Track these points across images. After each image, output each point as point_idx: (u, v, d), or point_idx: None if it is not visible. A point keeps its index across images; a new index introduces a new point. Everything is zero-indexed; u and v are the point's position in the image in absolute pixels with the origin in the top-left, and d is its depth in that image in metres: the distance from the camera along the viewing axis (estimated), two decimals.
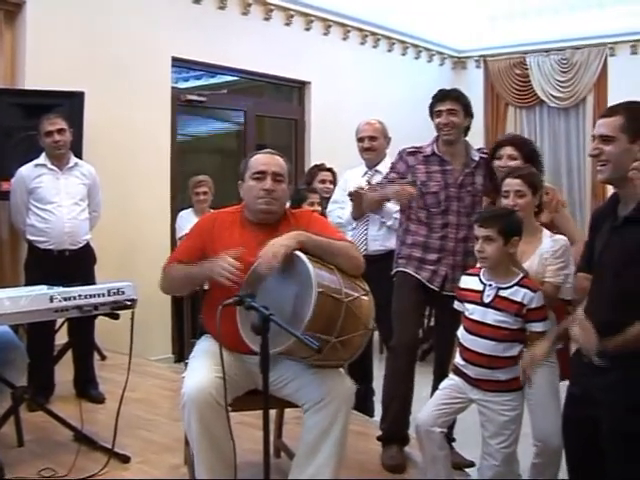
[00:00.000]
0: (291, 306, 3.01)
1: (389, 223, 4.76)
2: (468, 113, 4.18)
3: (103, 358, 6.14)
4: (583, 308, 2.84)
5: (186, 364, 3.45)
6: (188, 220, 6.54)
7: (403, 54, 10.18)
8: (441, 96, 4.16)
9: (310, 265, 2.98)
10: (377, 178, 4.98)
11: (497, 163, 3.91)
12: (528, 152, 3.91)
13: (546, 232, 3.53)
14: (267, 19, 8.27)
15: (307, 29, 8.76)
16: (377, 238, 4.85)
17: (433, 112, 4.17)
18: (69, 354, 5.31)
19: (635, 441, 2.53)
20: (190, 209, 6.86)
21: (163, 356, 6.94)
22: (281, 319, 2.70)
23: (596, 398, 2.65)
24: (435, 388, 3.70)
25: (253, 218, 3.42)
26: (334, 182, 5.57)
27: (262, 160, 3.43)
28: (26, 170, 5.06)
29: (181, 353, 6.67)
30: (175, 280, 3.45)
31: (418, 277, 4.12)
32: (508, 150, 3.88)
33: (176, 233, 6.83)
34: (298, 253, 3.06)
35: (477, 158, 4.17)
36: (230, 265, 3.12)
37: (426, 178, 4.13)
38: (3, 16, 6.12)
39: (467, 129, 4.24)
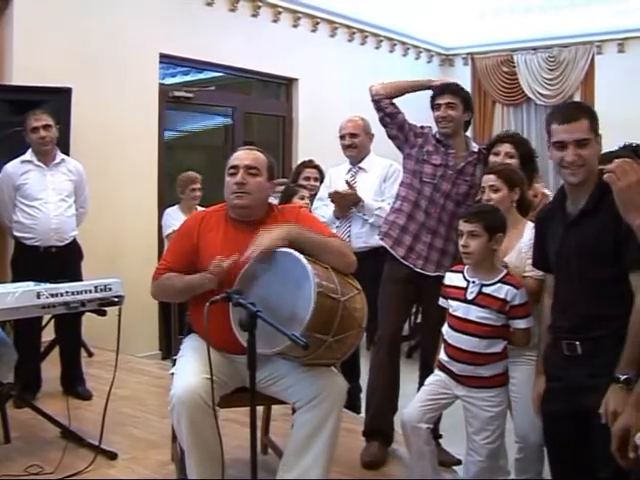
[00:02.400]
0: (289, 307, 2.99)
1: (371, 220, 4.77)
2: (467, 107, 4.19)
3: (90, 355, 6.13)
4: (549, 309, 2.95)
5: (173, 361, 3.44)
6: (175, 217, 6.55)
7: (391, 51, 10.20)
8: (440, 89, 4.18)
9: (308, 265, 2.97)
10: (361, 175, 5.00)
11: (493, 159, 3.93)
12: (526, 151, 3.95)
13: (529, 224, 3.51)
14: (255, 15, 8.27)
15: (295, 26, 8.76)
16: (360, 235, 4.86)
17: (433, 105, 4.18)
18: (56, 351, 5.29)
19: None
20: (176, 206, 6.83)
21: (150, 353, 6.93)
22: (278, 319, 2.70)
23: (583, 386, 2.68)
24: (421, 384, 3.72)
25: (234, 215, 3.40)
26: (320, 179, 5.57)
27: (236, 155, 3.43)
28: (12, 166, 5.04)
29: (168, 350, 6.67)
30: (173, 290, 3.40)
31: (404, 263, 4.13)
32: (507, 147, 3.91)
33: (163, 230, 6.80)
34: (294, 252, 3.04)
35: (476, 150, 4.19)
36: (222, 262, 3.11)
37: (432, 149, 4.16)
38: None
39: (467, 123, 4.26)
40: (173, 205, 6.93)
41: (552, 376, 2.90)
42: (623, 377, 2.52)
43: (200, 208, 6.62)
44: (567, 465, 2.88)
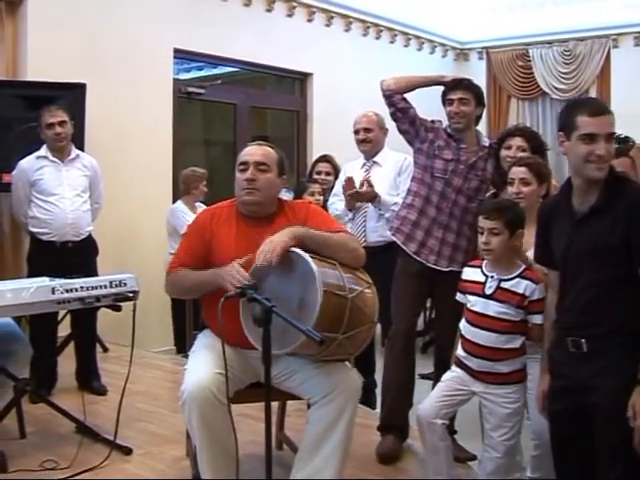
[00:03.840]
0: (296, 306, 2.98)
1: (387, 215, 4.76)
2: (480, 102, 4.18)
3: (105, 350, 6.14)
4: (553, 306, 2.92)
5: (187, 356, 3.43)
6: (188, 214, 6.53)
7: (405, 45, 10.15)
8: (453, 84, 4.16)
9: (313, 264, 2.95)
10: (375, 170, 4.99)
11: (505, 153, 3.91)
12: (536, 145, 3.92)
13: None
14: (269, 10, 8.26)
15: (309, 20, 8.74)
16: (376, 229, 4.85)
17: (445, 100, 4.16)
18: (71, 346, 5.30)
19: (624, 427, 2.54)
20: (181, 202, 6.78)
21: (164, 348, 6.93)
22: (288, 314, 2.69)
23: (588, 385, 2.67)
24: (437, 380, 3.70)
25: (244, 211, 3.39)
26: (335, 173, 5.56)
27: (245, 151, 3.41)
28: (27, 162, 5.06)
29: (182, 345, 6.67)
30: (184, 287, 3.40)
31: (417, 259, 4.12)
32: (518, 141, 3.89)
33: (178, 229, 6.69)
34: (300, 252, 3.02)
35: (487, 144, 4.17)
36: (241, 276, 3.04)
37: (443, 144, 4.14)
38: (5, 8, 6.10)
39: (478, 118, 4.24)
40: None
41: (556, 374, 2.88)
42: None
43: (199, 204, 6.72)
44: (571, 464, 2.86)
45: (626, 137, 4.00)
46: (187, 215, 6.51)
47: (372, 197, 4.78)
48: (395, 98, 4.20)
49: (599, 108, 2.72)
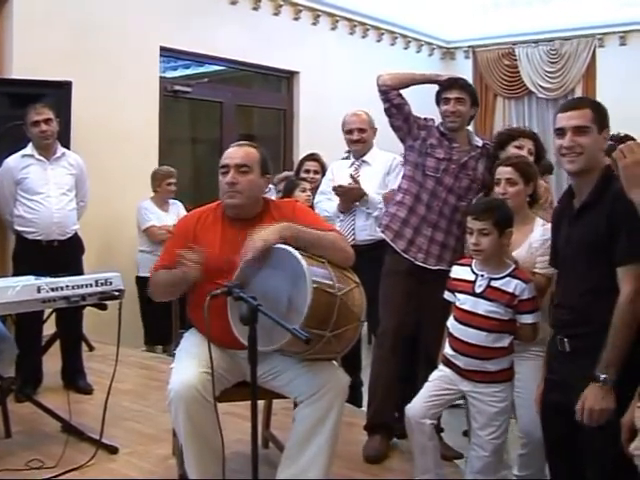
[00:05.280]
0: (285, 303, 2.97)
1: (375, 214, 4.75)
2: (474, 102, 4.19)
3: (91, 349, 6.12)
4: (553, 304, 2.95)
5: (174, 355, 3.43)
6: (152, 211, 6.63)
7: (392, 44, 10.18)
8: (449, 84, 4.15)
9: (303, 261, 2.94)
10: (364, 168, 4.99)
11: (515, 152, 3.88)
12: (541, 149, 3.97)
13: (539, 221, 3.52)
14: (256, 9, 8.26)
15: (296, 19, 8.76)
16: (365, 228, 4.84)
17: (440, 99, 4.16)
18: (57, 345, 5.29)
19: (607, 428, 2.55)
20: (149, 200, 6.75)
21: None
22: (275, 315, 2.68)
23: (571, 383, 2.69)
24: (423, 379, 3.69)
25: (229, 213, 3.38)
26: (322, 172, 5.56)
27: (226, 154, 3.39)
28: (13, 161, 5.03)
29: (152, 342, 6.69)
30: (160, 287, 3.39)
31: (405, 257, 4.12)
32: (529, 143, 3.92)
33: (140, 224, 6.67)
34: (289, 248, 3.01)
35: (480, 144, 4.18)
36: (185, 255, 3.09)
37: (436, 143, 4.13)
38: None
39: (471, 118, 4.24)
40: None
41: (550, 368, 2.91)
42: (602, 377, 2.55)
43: (174, 201, 6.77)
44: (561, 460, 2.89)
45: (625, 135, 4.01)
46: (150, 212, 6.58)
47: (359, 195, 4.78)
48: (391, 94, 4.19)
49: (570, 104, 2.84)
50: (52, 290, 3.72)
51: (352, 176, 4.81)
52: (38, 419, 4.34)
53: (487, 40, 10.67)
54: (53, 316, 4.94)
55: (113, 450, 4.04)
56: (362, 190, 4.76)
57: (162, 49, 7.36)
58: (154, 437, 4.30)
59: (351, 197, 4.80)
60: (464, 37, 10.83)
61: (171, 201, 6.75)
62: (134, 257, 6.58)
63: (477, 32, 10.56)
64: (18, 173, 4.99)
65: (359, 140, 5.01)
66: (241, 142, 3.50)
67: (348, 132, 5.06)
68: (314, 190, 5.27)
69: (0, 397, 4.02)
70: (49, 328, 5.26)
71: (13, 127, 5.35)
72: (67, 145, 5.52)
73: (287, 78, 9.01)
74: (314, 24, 9.00)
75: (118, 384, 4.09)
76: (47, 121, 4.98)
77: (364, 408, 4.45)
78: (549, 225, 3.27)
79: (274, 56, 8.48)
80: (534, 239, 3.45)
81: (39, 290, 3.68)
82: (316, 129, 8.52)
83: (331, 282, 3.03)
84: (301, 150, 8.06)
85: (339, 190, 4.75)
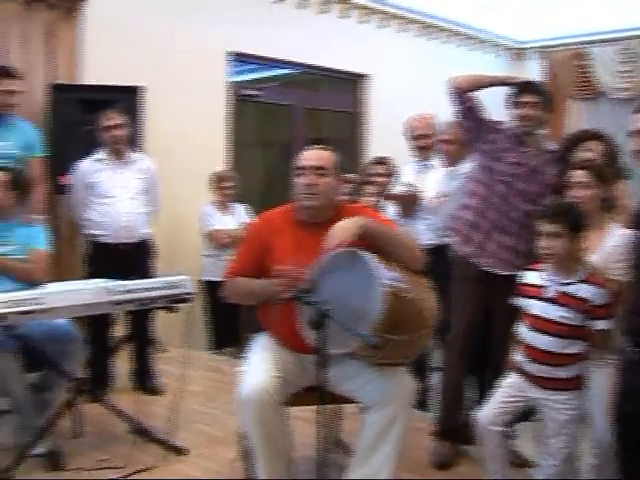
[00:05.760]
0: (356, 306, 2.95)
1: (436, 219, 4.72)
2: (549, 107, 4.09)
3: (161, 351, 6.18)
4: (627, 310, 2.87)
5: (242, 358, 3.44)
6: (212, 215, 6.63)
7: (459, 45, 10.07)
8: (524, 87, 4.07)
9: (377, 264, 2.93)
10: (431, 172, 4.95)
11: (584, 155, 3.80)
12: (614, 151, 3.88)
13: (615, 226, 3.41)
14: (325, 12, 8.26)
15: (364, 21, 8.72)
16: (426, 232, 4.81)
17: (513, 102, 4.07)
18: (128, 346, 5.36)
19: None
20: (210, 204, 6.75)
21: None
22: (347, 318, 2.68)
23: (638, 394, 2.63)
24: (491, 384, 3.64)
25: (302, 216, 3.37)
26: (391, 175, 5.53)
27: (303, 155, 3.39)
28: (85, 165, 5.14)
29: (217, 342, 6.72)
30: (239, 295, 3.44)
31: (474, 262, 4.06)
32: (599, 145, 3.84)
33: (202, 229, 6.70)
34: (363, 251, 3.00)
35: (552, 149, 4.09)
36: (283, 275, 3.11)
37: (507, 147, 4.05)
38: (63, 12, 6.18)
39: (545, 123, 4.15)
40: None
41: (624, 377, 2.82)
42: None
43: (237, 205, 6.75)
44: (634, 470, 2.80)
45: None
46: (211, 217, 6.61)
47: (414, 201, 4.75)
48: (464, 96, 4.13)
49: None
50: (123, 293, 3.80)
51: (409, 184, 4.78)
52: (108, 420, 4.38)
53: (558, 40, 10.45)
54: (124, 318, 5.01)
55: (181, 452, 4.09)
56: (418, 197, 4.72)
57: (231, 54, 7.41)
58: (222, 439, 4.32)
59: (406, 203, 4.77)
60: (534, 37, 10.63)
61: (234, 205, 6.75)
62: (200, 261, 6.62)
63: (548, 32, 10.36)
64: (89, 177, 5.09)
65: (425, 147, 4.99)
66: (316, 145, 3.49)
67: (417, 137, 5.02)
68: (380, 194, 5.25)
69: (71, 398, 4.07)
70: (121, 330, 5.34)
71: (86, 132, 5.44)
72: (140, 150, 5.61)
73: (357, 81, 9.00)
74: (382, 27, 8.96)
75: (187, 386, 4.13)
76: (117, 126, 5.08)
77: (429, 412, 4.42)
78: (626, 230, 3.19)
79: (343, 59, 8.49)
80: (609, 244, 3.35)
81: (110, 293, 3.74)
82: (386, 132, 8.47)
83: (403, 286, 3.01)
84: (372, 154, 8.02)
85: (390, 197, 4.73)
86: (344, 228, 3.06)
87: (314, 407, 2.87)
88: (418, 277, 3.20)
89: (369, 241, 3.08)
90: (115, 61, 6.23)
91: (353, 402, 3.33)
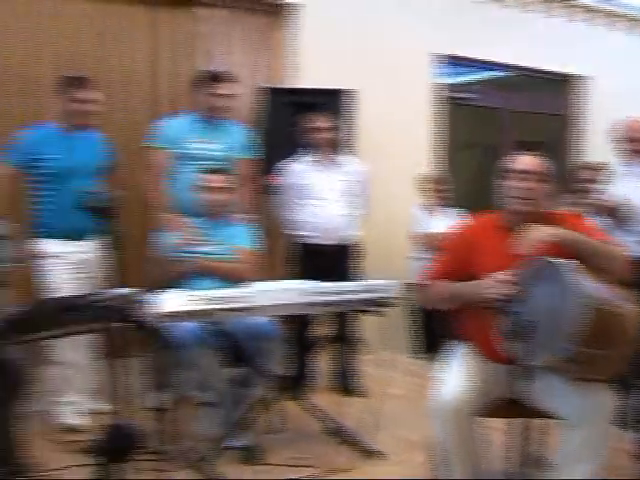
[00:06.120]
0: (556, 318, 2.86)
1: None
2: None
3: (366, 353, 6.21)
4: None
5: (440, 364, 3.42)
6: (419, 218, 6.57)
7: None
8: None
9: (578, 276, 2.84)
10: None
11: None
12: None
13: None
14: (546, 13, 8.10)
15: (588, 22, 8.44)
16: (635, 244, 4.56)
17: None
18: (333, 347, 5.42)
19: None
20: (417, 207, 6.70)
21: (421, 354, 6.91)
22: (545, 330, 2.61)
23: None
24: None
25: (510, 222, 3.29)
26: (598, 181, 5.28)
27: (522, 160, 3.32)
28: (293, 166, 5.27)
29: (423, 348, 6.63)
30: (441, 297, 3.41)
31: None
32: None
33: (411, 234, 6.65)
34: (564, 261, 2.91)
35: None
36: (502, 285, 3.05)
37: None
38: (275, 16, 6.37)
39: None
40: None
41: None
42: None
43: (447, 209, 6.62)
44: None
45: None
46: (418, 219, 6.56)
47: (610, 210, 4.52)
48: None
49: None
50: (326, 294, 3.86)
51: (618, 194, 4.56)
52: (305, 418, 4.45)
53: None
54: (329, 318, 5.07)
55: (377, 455, 4.08)
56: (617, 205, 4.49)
57: (441, 56, 7.41)
58: (418, 444, 4.28)
59: (614, 215, 4.55)
60: None
61: (444, 208, 6.67)
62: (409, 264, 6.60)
63: None
64: (298, 178, 5.21)
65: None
66: (531, 151, 3.42)
67: (630, 139, 4.78)
68: (586, 202, 5.04)
69: (272, 395, 4.16)
70: (324, 330, 5.42)
71: (295, 134, 5.56)
72: (352, 153, 5.70)
73: (568, 82, 8.72)
74: (608, 26, 8.64)
75: (389, 389, 4.11)
76: (324, 129, 5.17)
77: (630, 432, 4.20)
78: None
79: (556, 60, 8.26)
80: None
81: (312, 294, 3.81)
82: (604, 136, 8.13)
83: (607, 298, 2.88)
84: (589, 158, 7.72)
85: (596, 206, 4.51)
86: (536, 235, 3.00)
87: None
88: (624, 290, 3.04)
89: (569, 251, 3.00)
90: (327, 64, 6.34)
91: (550, 417, 3.21)
